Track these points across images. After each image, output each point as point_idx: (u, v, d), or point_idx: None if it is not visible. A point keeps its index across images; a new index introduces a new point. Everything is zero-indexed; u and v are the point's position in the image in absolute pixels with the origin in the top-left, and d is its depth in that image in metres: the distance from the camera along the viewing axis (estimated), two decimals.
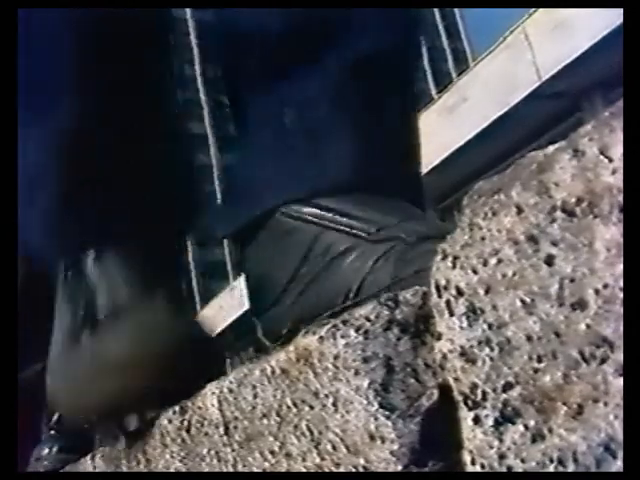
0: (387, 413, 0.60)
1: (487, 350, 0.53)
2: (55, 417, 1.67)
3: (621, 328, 0.46)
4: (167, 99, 1.29)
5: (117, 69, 1.16)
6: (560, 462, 0.48)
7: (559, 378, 0.49)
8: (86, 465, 1.07)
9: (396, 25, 1.26)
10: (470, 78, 8.58)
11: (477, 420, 0.53)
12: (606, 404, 0.46)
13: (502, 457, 0.52)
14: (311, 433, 0.66)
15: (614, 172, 0.47)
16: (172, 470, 0.86)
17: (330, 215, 1.14)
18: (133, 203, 1.18)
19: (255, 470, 0.72)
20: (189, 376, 0.95)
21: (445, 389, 0.57)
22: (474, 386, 0.53)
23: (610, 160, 0.47)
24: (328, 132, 1.19)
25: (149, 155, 1.20)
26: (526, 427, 0.50)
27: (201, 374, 0.90)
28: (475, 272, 0.54)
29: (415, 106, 1.40)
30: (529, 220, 0.51)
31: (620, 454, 0.46)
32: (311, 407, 0.66)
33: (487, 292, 0.53)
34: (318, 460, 0.65)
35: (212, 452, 0.79)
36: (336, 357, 0.63)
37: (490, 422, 0.52)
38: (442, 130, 8.04)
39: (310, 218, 1.15)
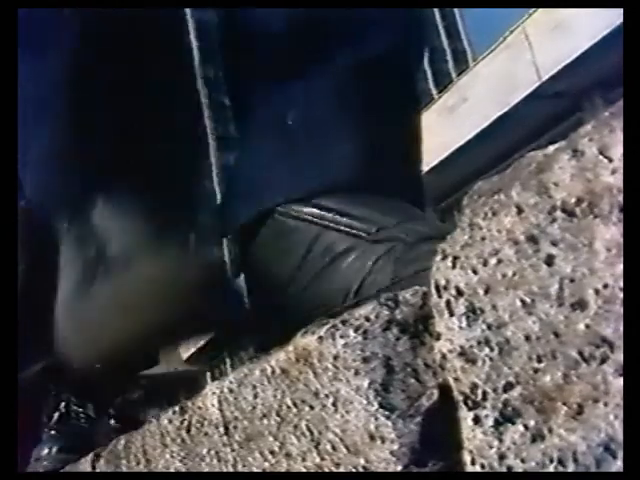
0: (387, 413, 0.60)
1: (487, 350, 0.53)
2: (55, 417, 1.67)
3: (621, 328, 0.46)
4: (172, 42, 1.27)
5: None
6: (560, 462, 0.48)
7: (559, 378, 0.49)
8: (86, 465, 1.07)
9: (398, 26, 1.26)
10: (470, 78, 8.58)
11: (477, 420, 0.53)
12: (606, 404, 0.46)
13: (502, 457, 0.52)
14: (311, 433, 0.66)
15: (614, 172, 0.47)
16: (172, 470, 0.86)
17: (330, 215, 1.14)
18: (141, 144, 1.17)
19: (255, 470, 0.72)
20: (204, 314, 0.95)
21: (445, 389, 0.57)
22: (474, 386, 0.53)
23: (610, 160, 0.47)
24: (329, 132, 1.20)
25: (156, 96, 1.19)
26: (526, 427, 0.50)
27: (216, 312, 0.90)
28: (475, 272, 0.54)
29: (417, 106, 1.41)
30: (529, 220, 0.51)
31: (620, 454, 0.46)
32: (311, 407, 0.66)
33: (487, 292, 0.53)
34: (318, 460, 0.65)
35: (212, 452, 0.79)
36: (336, 357, 0.63)
37: (490, 422, 0.52)
38: (442, 130, 8.04)
39: (310, 218, 1.15)
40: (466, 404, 0.54)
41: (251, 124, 1.26)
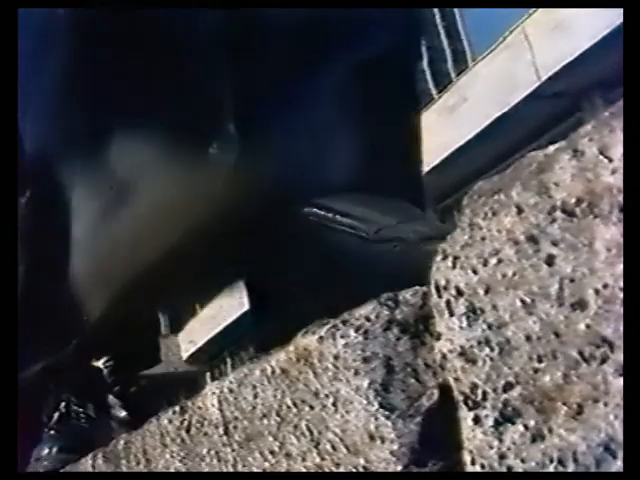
0: (387, 413, 0.60)
1: (487, 350, 0.53)
2: (55, 417, 1.67)
3: (621, 328, 0.46)
4: None
5: None
6: (560, 462, 0.48)
7: (559, 378, 0.49)
8: (86, 465, 1.07)
9: (398, 26, 1.26)
10: (470, 78, 8.57)
11: (477, 420, 0.53)
12: (606, 404, 0.46)
13: (502, 457, 0.52)
14: (311, 433, 0.66)
15: (614, 172, 0.47)
16: (172, 470, 0.86)
17: (331, 215, 1.14)
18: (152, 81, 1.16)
19: (255, 470, 0.72)
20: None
21: (445, 389, 0.57)
22: (474, 386, 0.53)
23: (610, 160, 0.47)
24: (329, 132, 1.20)
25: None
26: (526, 427, 0.50)
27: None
28: (475, 272, 0.54)
29: (416, 106, 1.41)
30: (529, 220, 0.51)
31: (620, 454, 0.46)
32: (311, 407, 0.66)
33: (487, 292, 0.53)
34: (318, 460, 0.65)
35: (212, 452, 0.79)
36: (336, 357, 0.64)
37: (490, 422, 0.52)
38: (442, 130, 8.03)
39: (311, 218, 1.15)
40: (466, 404, 0.54)
41: (252, 123, 1.26)
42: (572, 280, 0.48)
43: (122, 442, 0.98)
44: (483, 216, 0.54)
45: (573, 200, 0.49)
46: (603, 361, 0.47)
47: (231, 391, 0.76)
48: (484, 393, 0.53)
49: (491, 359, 0.52)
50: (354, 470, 0.62)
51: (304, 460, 0.66)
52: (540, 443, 0.50)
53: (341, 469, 0.63)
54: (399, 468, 0.58)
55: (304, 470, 0.66)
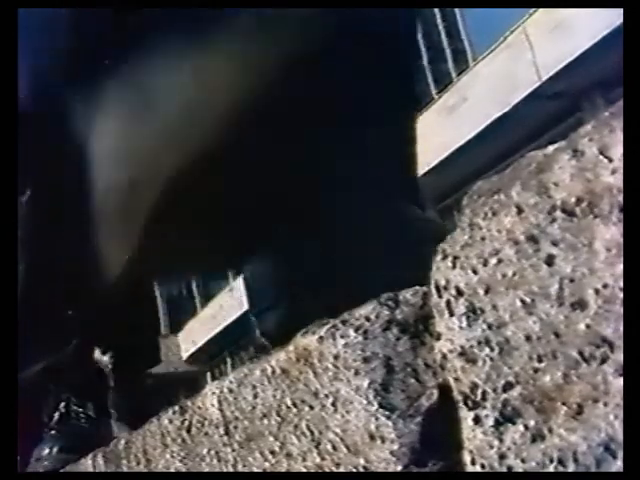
0: (387, 413, 0.60)
1: (487, 350, 0.53)
2: (55, 417, 1.67)
3: (621, 328, 0.46)
4: None
5: None
6: (560, 462, 0.48)
7: (559, 378, 0.49)
8: (86, 465, 1.07)
9: (396, 25, 1.26)
10: (470, 78, 8.58)
11: (477, 420, 0.53)
12: (606, 404, 0.46)
13: (502, 457, 0.52)
14: (311, 433, 0.66)
15: (614, 172, 0.47)
16: (172, 470, 0.86)
17: None
18: None
19: (255, 470, 0.72)
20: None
21: (445, 389, 0.57)
22: (474, 386, 0.53)
23: (610, 160, 0.47)
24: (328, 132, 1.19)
25: None
26: (526, 427, 0.50)
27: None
28: (475, 272, 0.54)
29: (415, 107, 1.41)
30: (529, 220, 0.51)
31: (620, 454, 0.46)
32: (311, 407, 0.66)
33: (487, 292, 0.53)
34: (318, 460, 0.65)
35: (212, 452, 0.79)
36: (336, 357, 0.64)
37: (490, 422, 0.52)
38: (442, 130, 8.04)
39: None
40: (466, 404, 0.54)
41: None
42: (572, 280, 0.48)
43: (122, 442, 0.98)
44: (483, 216, 0.54)
45: (573, 200, 0.49)
46: (603, 361, 0.47)
47: (231, 391, 0.76)
48: (484, 393, 0.53)
49: (491, 359, 0.52)
50: (354, 470, 0.62)
51: (304, 460, 0.66)
52: (540, 443, 0.50)
53: (341, 469, 0.63)
54: (399, 468, 0.58)
55: (304, 470, 0.66)
